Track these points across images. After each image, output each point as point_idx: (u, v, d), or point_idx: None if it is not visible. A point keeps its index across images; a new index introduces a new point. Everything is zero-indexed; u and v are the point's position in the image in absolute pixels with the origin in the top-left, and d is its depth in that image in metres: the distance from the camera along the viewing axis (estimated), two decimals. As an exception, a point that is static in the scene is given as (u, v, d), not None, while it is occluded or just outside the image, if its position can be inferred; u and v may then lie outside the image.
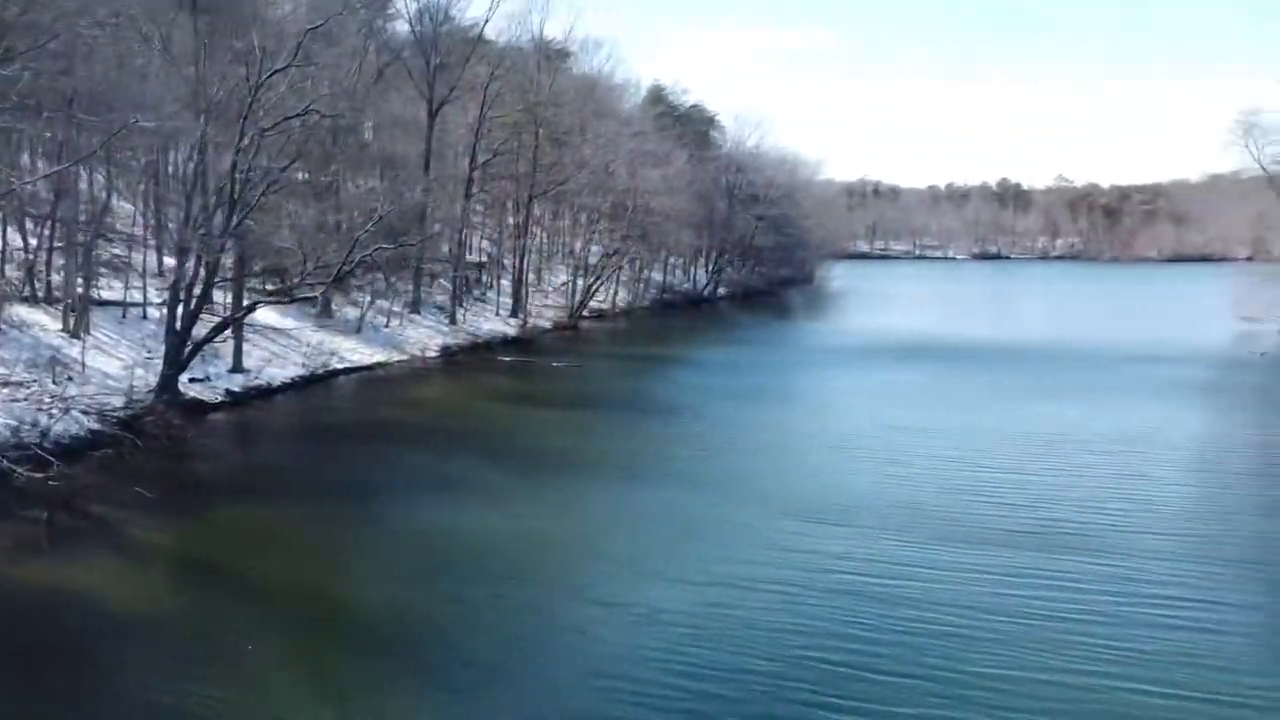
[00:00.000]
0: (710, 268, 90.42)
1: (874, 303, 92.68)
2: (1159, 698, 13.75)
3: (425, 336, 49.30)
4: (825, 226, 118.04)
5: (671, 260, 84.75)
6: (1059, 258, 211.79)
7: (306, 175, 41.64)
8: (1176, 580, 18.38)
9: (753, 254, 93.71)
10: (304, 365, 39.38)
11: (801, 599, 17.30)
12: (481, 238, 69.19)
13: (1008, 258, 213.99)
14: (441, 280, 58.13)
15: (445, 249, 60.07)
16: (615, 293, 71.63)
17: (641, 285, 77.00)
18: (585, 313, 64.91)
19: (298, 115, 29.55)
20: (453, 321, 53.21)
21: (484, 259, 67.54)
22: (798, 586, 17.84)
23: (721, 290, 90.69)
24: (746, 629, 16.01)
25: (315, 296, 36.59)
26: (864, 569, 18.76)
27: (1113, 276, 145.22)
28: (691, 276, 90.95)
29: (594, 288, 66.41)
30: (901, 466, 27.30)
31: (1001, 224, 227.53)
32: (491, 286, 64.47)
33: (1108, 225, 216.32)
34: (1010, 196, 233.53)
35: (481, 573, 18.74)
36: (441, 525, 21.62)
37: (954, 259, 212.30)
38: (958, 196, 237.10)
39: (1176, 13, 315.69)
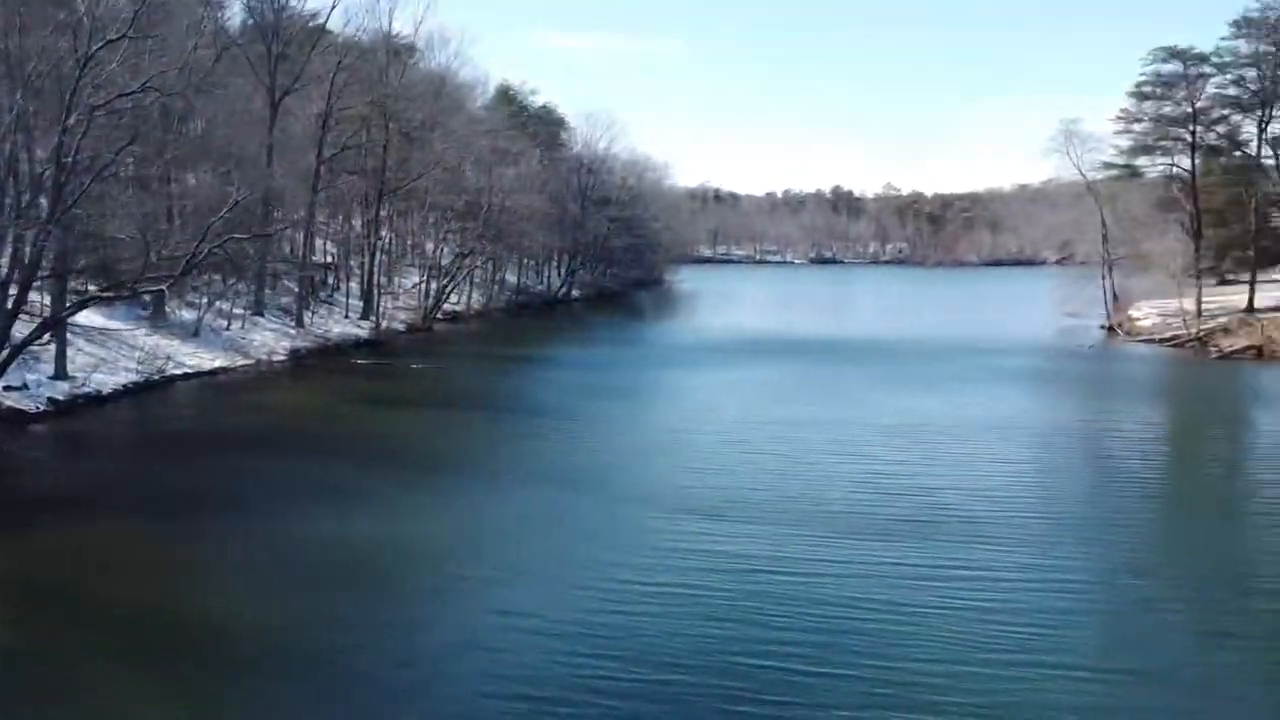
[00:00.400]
0: (564, 269, 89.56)
1: (723, 304, 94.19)
2: (1072, 680, 13.80)
3: (271, 340, 46.28)
4: (674, 230, 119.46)
5: (525, 262, 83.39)
6: (889, 262, 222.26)
7: (132, 165, 38.23)
8: (1073, 565, 18.75)
9: (606, 255, 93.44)
10: (138, 371, 36.05)
11: (706, 599, 16.59)
12: (326, 239, 65.94)
13: (842, 262, 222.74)
14: (285, 281, 55.00)
15: (287, 249, 57.02)
16: (470, 295, 69.71)
17: (496, 287, 75.31)
18: (440, 315, 62.80)
19: (134, 92, 26.77)
20: (300, 324, 50.23)
21: (329, 259, 64.45)
22: (701, 587, 17.15)
23: (575, 292, 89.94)
24: (653, 634, 15.17)
25: (162, 289, 33.40)
26: (767, 566, 18.26)
27: (940, 278, 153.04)
28: (545, 278, 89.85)
29: (448, 289, 64.39)
30: (784, 460, 27.17)
31: (835, 230, 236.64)
32: (338, 288, 61.57)
33: (932, 231, 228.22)
34: (843, 204, 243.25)
35: (359, 587, 17.23)
36: (309, 537, 19.85)
37: (792, 263, 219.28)
38: (795, 203, 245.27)
39: (981, 39, 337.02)
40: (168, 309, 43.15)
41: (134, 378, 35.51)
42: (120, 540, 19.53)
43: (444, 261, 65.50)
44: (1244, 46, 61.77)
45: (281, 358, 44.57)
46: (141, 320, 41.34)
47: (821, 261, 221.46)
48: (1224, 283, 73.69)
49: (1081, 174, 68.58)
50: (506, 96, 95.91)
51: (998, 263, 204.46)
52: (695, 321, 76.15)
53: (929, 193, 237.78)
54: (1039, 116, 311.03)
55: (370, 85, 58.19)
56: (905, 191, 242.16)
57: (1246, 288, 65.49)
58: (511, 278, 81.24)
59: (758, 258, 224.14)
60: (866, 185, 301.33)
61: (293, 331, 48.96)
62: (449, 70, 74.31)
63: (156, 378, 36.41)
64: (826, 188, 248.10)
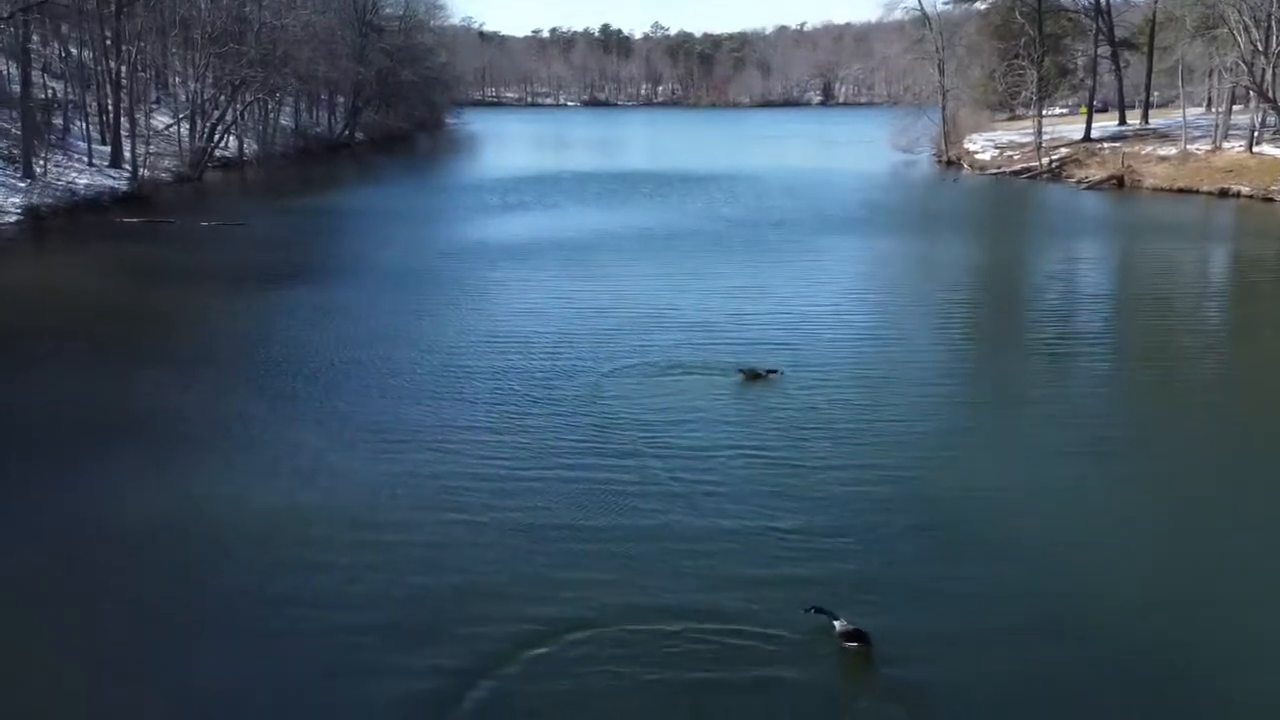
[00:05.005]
0: (347, 108, 77.47)
1: (521, 146, 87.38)
2: None
3: (-6, 196, 34.69)
4: (455, 68, 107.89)
5: (300, 102, 70.86)
6: (662, 104, 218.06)
7: None
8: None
9: (391, 93, 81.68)
10: None
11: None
12: (43, 69, 51.59)
13: (615, 104, 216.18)
14: (-3, 121, 42.10)
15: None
16: (241, 138, 57.70)
17: (271, 130, 63.09)
18: (210, 162, 51.16)
19: None
20: (29, 174, 38.24)
21: (50, 94, 50.56)
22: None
23: (359, 135, 78.31)
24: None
25: None
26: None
27: (727, 119, 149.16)
28: (326, 119, 77.52)
29: (220, 130, 52.52)
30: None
31: (607, 71, 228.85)
32: (69, 130, 48.48)
33: (704, 72, 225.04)
34: (614, 44, 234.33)
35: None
36: (103, 500, 12.25)
37: (566, 106, 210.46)
38: (563, 43, 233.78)
39: None
40: None
41: None
42: None
43: (205, 97, 53.18)
44: None
45: (14, 218, 33.32)
46: None
47: (595, 104, 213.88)
48: (1014, 118, 73.77)
49: (919, 4, 64.86)
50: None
51: (768, 104, 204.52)
52: (498, 163, 67.44)
53: (698, 33, 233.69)
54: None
55: None
56: (674, 31, 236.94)
57: (1051, 120, 65.34)
58: (286, 120, 68.78)
59: (530, 100, 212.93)
60: (635, 24, 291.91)
61: (22, 185, 37.09)
62: None
63: None
64: (595, 26, 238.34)
